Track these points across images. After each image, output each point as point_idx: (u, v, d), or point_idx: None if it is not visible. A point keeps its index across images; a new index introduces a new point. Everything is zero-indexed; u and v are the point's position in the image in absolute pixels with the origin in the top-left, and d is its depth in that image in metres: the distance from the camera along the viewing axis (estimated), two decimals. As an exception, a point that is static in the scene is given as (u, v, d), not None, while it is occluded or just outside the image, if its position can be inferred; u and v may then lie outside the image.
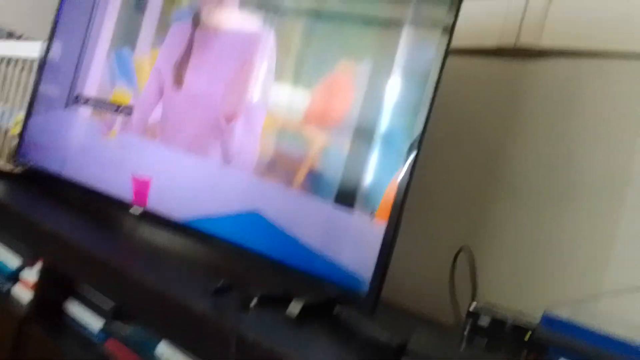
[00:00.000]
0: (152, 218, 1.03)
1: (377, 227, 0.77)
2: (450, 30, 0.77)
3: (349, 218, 0.80)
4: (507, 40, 1.09)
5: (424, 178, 1.16)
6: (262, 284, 0.83)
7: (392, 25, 0.83)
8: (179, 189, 1.00)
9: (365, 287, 0.76)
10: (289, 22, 0.95)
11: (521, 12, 1.07)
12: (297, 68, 0.92)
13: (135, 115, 1.13)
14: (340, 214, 0.81)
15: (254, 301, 0.74)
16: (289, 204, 0.87)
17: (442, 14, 0.78)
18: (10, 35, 4.16)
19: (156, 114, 1.09)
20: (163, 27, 1.13)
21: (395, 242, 0.77)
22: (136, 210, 1.05)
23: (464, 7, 1.13)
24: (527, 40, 1.06)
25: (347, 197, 0.81)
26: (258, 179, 0.91)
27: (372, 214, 0.78)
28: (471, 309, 0.76)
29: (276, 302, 0.78)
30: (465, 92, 1.16)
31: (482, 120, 1.12)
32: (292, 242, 0.84)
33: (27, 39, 4.14)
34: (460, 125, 1.15)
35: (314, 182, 0.84)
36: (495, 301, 0.92)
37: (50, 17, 1.43)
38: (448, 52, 0.77)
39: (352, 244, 0.79)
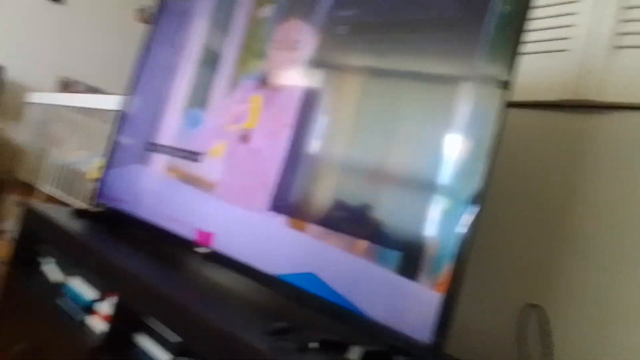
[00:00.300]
0: (217, 259, 1.08)
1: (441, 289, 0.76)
2: (508, 86, 0.78)
3: (412, 285, 0.79)
4: (568, 95, 1.09)
5: (489, 234, 1.15)
6: (321, 329, 0.84)
7: (452, 81, 0.85)
8: (238, 245, 1.04)
9: (427, 340, 0.75)
10: (350, 79, 1.00)
11: (580, 68, 1.07)
12: (358, 125, 0.95)
13: (201, 169, 1.20)
14: (402, 281, 0.80)
15: (314, 343, 0.75)
16: (347, 269, 0.86)
17: (500, 69, 0.79)
18: (91, 90, 4.56)
19: (219, 170, 1.15)
20: (232, 86, 1.22)
21: (458, 297, 0.76)
22: (202, 250, 1.10)
23: (524, 62, 1.15)
24: (588, 95, 1.05)
25: (410, 265, 0.80)
26: (317, 240, 0.92)
27: (435, 279, 0.77)
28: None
29: (335, 347, 0.78)
30: (528, 146, 1.15)
31: (547, 174, 1.11)
32: (349, 306, 0.84)
33: (108, 93, 4.51)
34: (524, 179, 1.14)
35: (374, 247, 0.84)
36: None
37: (127, 74, 1.58)
38: (507, 107, 0.77)
39: (414, 305, 0.79)
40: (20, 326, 1.23)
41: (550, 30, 1.15)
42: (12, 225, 3.39)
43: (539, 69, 1.15)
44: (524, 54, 1.15)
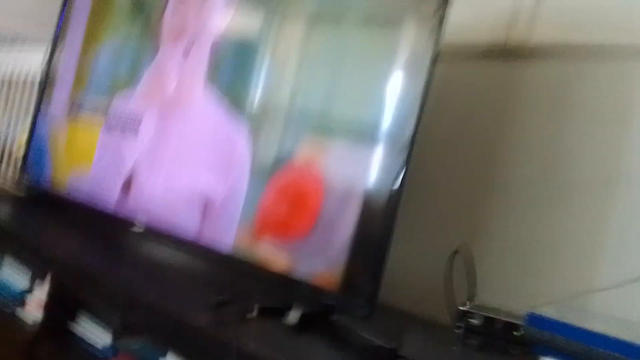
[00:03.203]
0: (154, 235, 1.06)
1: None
2: (439, 29, 0.78)
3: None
4: (497, 38, 1.10)
5: (419, 180, 1.19)
6: (261, 296, 0.86)
7: (383, 23, 0.85)
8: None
9: (361, 294, 0.78)
10: (287, 25, 0.97)
11: (510, 8, 1.08)
12: (300, 72, 0.94)
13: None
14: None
15: (253, 312, 0.77)
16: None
17: (431, 12, 0.79)
18: (14, 40, 4.14)
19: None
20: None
21: (389, 245, 0.78)
22: (139, 227, 1.08)
23: (454, 5, 1.13)
24: (518, 37, 1.07)
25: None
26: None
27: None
28: (463, 308, 0.78)
29: (275, 312, 0.81)
30: (458, 94, 1.17)
31: (476, 121, 1.15)
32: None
33: (31, 42, 4.10)
34: (454, 126, 1.17)
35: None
36: (490, 301, 0.95)
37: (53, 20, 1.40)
38: (438, 51, 0.78)
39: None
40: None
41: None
42: None
43: (469, 13, 1.14)
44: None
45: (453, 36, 1.17)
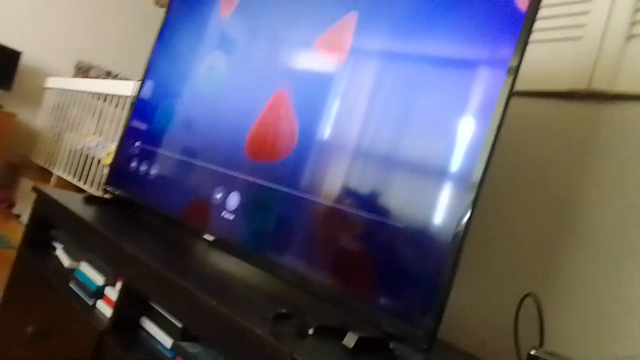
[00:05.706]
0: (222, 245, 1.10)
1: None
2: (515, 71, 0.78)
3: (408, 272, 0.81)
4: (578, 85, 1.08)
5: (490, 222, 1.16)
6: (321, 315, 0.85)
7: (458, 64, 0.85)
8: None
9: (422, 326, 0.76)
10: (363, 63, 1.00)
11: (594, 56, 1.06)
12: (370, 109, 0.96)
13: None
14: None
15: (311, 329, 0.77)
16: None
17: (508, 54, 0.79)
18: (108, 74, 4.62)
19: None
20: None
21: (452, 283, 0.77)
22: (208, 237, 1.12)
23: (536, 50, 1.13)
24: (600, 84, 1.04)
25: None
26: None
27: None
28: (534, 353, 0.74)
29: (333, 332, 0.80)
30: (534, 135, 1.15)
31: (552, 164, 1.11)
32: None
33: (122, 78, 4.57)
34: (529, 169, 1.14)
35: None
36: (560, 351, 0.89)
37: (144, 59, 1.59)
38: (512, 93, 0.77)
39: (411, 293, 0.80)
40: (32, 309, 1.27)
41: (564, 17, 1.14)
42: (26, 209, 3.47)
43: (551, 57, 1.13)
44: (537, 41, 1.14)
45: (534, 77, 1.15)
